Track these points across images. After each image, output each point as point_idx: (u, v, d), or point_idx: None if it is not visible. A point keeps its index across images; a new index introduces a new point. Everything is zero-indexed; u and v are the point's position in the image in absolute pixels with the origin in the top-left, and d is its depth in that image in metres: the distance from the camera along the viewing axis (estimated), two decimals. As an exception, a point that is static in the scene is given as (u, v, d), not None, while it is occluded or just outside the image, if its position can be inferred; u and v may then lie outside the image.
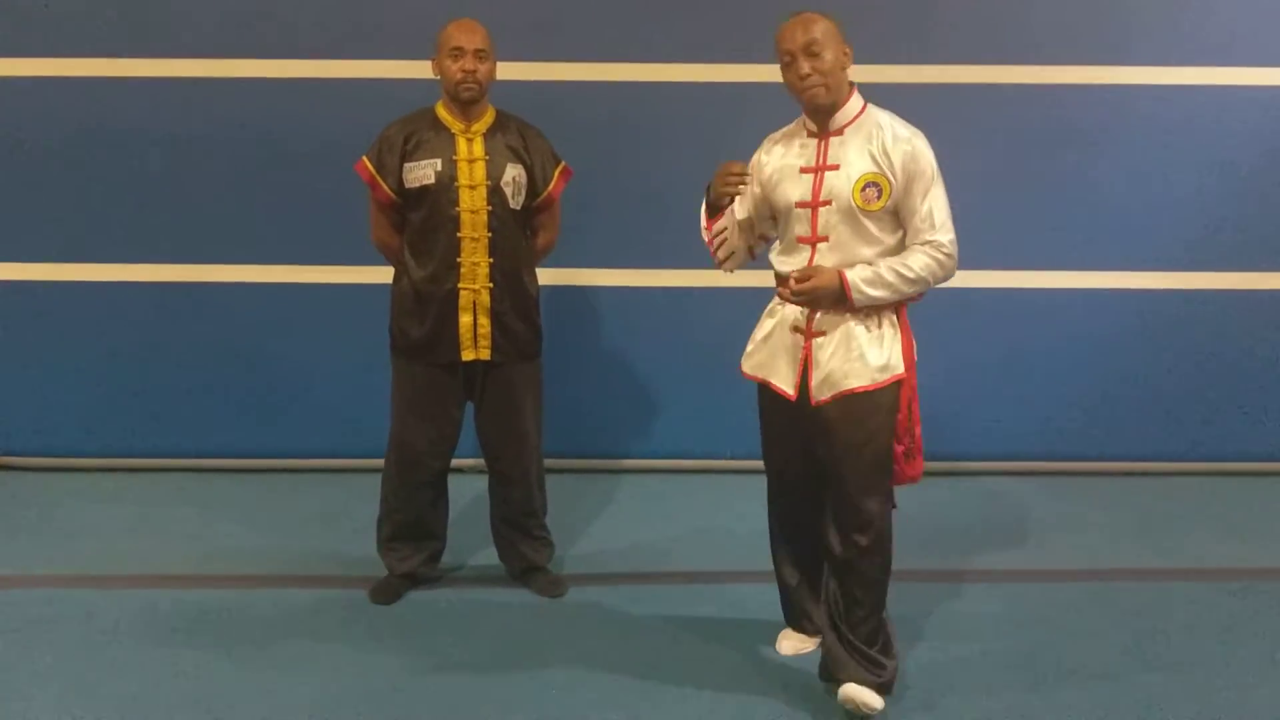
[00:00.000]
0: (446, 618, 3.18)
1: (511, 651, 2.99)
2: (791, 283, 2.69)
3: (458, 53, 3.06)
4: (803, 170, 2.74)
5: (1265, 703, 2.74)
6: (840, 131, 2.72)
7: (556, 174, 3.27)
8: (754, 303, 4.32)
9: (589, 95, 4.24)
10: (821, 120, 2.73)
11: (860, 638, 2.72)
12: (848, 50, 2.70)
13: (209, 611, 3.20)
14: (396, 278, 3.24)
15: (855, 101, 2.74)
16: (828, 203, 2.69)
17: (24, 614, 3.17)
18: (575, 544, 3.74)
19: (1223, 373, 4.47)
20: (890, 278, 2.64)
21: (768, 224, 2.89)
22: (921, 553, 3.65)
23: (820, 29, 2.65)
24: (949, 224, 2.69)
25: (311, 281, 4.35)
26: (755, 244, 2.97)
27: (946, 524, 3.87)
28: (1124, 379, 4.46)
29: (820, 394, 2.71)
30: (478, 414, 3.30)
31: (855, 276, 2.64)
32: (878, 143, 2.68)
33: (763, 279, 4.29)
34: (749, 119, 4.21)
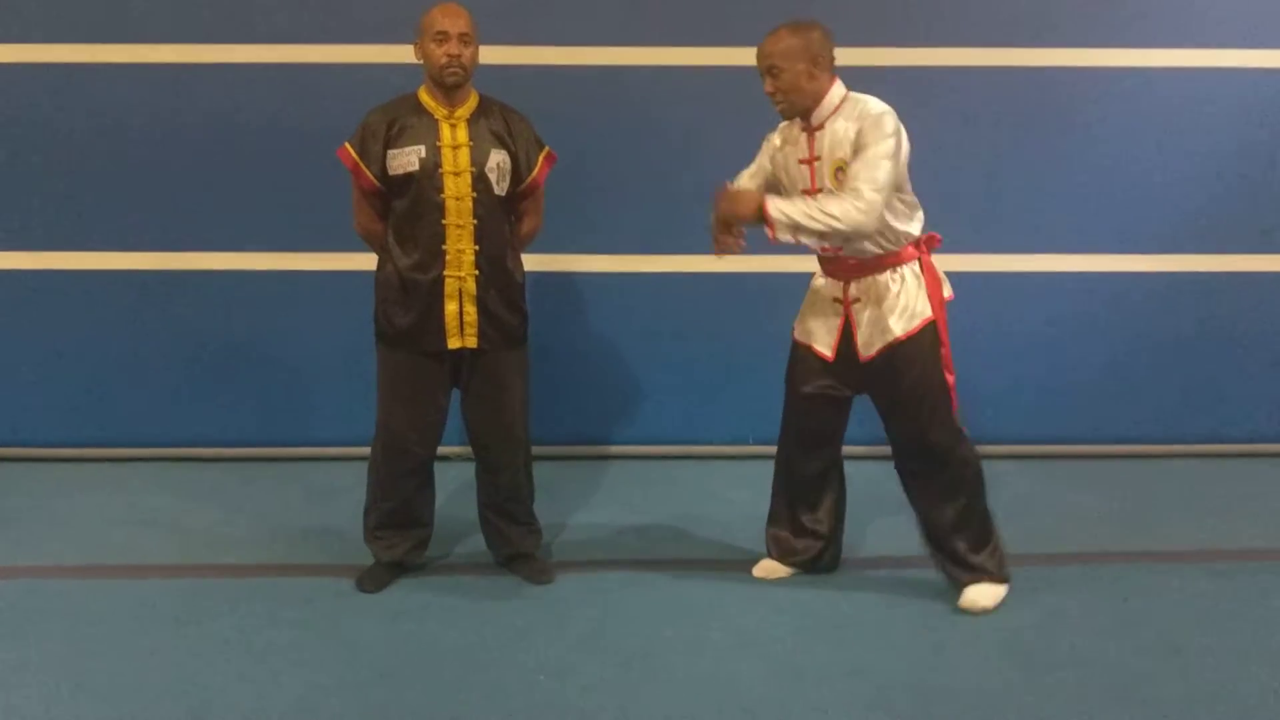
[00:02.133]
0: (434, 605, 3.17)
1: (500, 638, 2.98)
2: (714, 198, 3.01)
3: (442, 37, 3.03)
4: (800, 161, 3.06)
5: (1253, 684, 2.76)
6: (822, 126, 3.01)
7: (540, 159, 3.24)
8: (740, 289, 4.36)
9: (575, 80, 4.22)
10: (805, 117, 3.04)
11: (958, 552, 3.16)
12: (817, 59, 2.94)
13: (194, 601, 3.19)
14: (380, 265, 3.22)
15: (834, 94, 3.00)
16: (822, 189, 3.01)
17: (8, 604, 3.15)
18: (564, 530, 3.73)
19: (1206, 355, 4.49)
20: (803, 206, 2.90)
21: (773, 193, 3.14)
22: (908, 537, 3.66)
23: (779, 49, 2.94)
24: (876, 182, 2.88)
25: (297, 269, 4.32)
26: None
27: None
28: (1107, 361, 4.49)
29: (867, 351, 3.08)
30: (464, 401, 3.28)
31: (774, 200, 2.93)
32: (845, 127, 2.96)
33: (747, 264, 4.32)
34: (734, 103, 4.25)
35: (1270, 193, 4.39)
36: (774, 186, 3.18)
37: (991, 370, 4.44)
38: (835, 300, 3.14)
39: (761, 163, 3.22)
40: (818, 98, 2.98)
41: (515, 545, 3.39)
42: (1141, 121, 4.31)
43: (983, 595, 3.14)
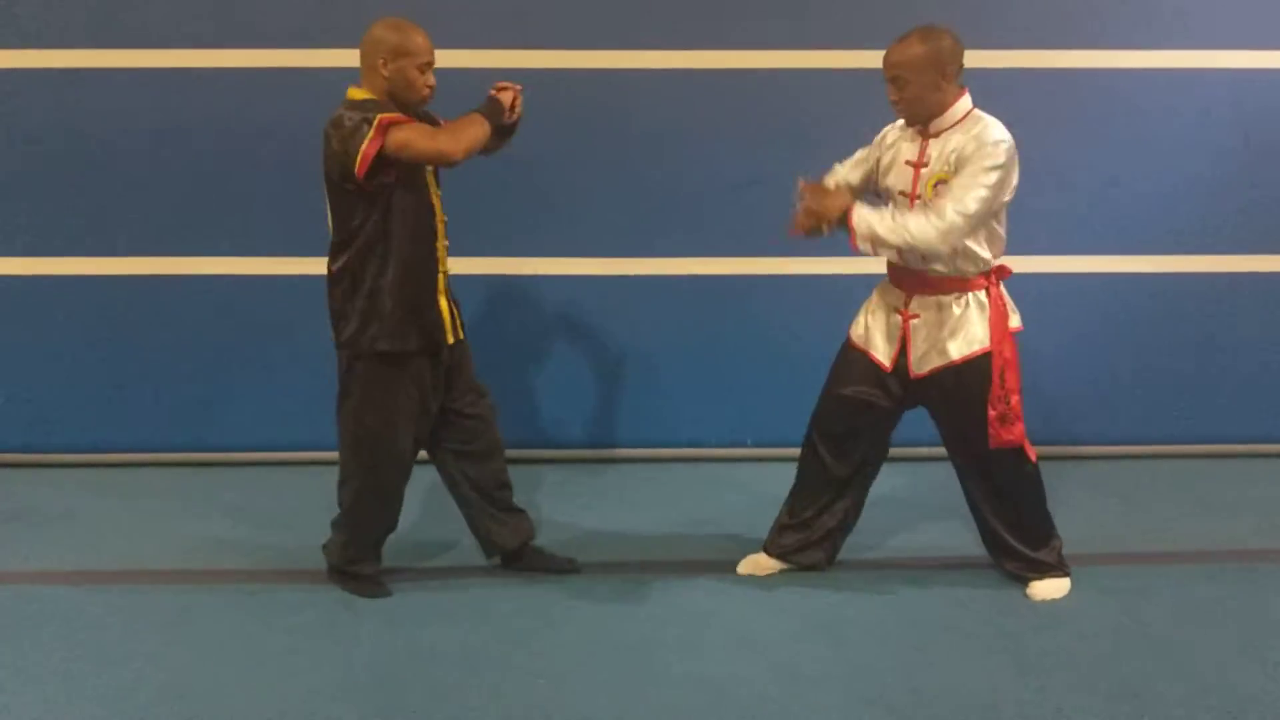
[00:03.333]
0: (433, 609, 3.17)
1: (498, 641, 2.98)
2: (801, 190, 2.96)
3: (427, 65, 3.02)
4: (907, 162, 3.03)
5: (1249, 683, 2.77)
6: (939, 134, 2.97)
7: None
8: (735, 291, 4.35)
9: (556, 83, 4.18)
10: (924, 124, 2.99)
11: (1017, 551, 3.24)
12: (945, 70, 2.90)
13: (191, 606, 3.18)
14: (365, 278, 3.06)
15: (959, 107, 2.96)
16: (920, 197, 2.98)
17: (5, 610, 3.15)
18: (561, 533, 3.72)
19: (1203, 355, 4.49)
20: (886, 218, 2.89)
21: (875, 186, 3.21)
22: (907, 537, 3.67)
23: (906, 59, 2.90)
24: (964, 206, 2.85)
25: (299, 274, 4.28)
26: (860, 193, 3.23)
27: (931, 509, 3.88)
28: (1103, 362, 4.49)
29: (919, 369, 3.09)
30: (451, 399, 3.24)
31: (860, 208, 2.91)
32: (960, 143, 2.90)
33: (744, 267, 4.32)
34: (710, 107, 4.24)
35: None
36: (871, 181, 3.18)
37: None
38: (895, 310, 3.12)
39: (869, 155, 3.19)
40: (942, 108, 2.95)
41: (519, 536, 3.37)
42: (1134, 122, 4.32)
43: (1049, 588, 3.23)
